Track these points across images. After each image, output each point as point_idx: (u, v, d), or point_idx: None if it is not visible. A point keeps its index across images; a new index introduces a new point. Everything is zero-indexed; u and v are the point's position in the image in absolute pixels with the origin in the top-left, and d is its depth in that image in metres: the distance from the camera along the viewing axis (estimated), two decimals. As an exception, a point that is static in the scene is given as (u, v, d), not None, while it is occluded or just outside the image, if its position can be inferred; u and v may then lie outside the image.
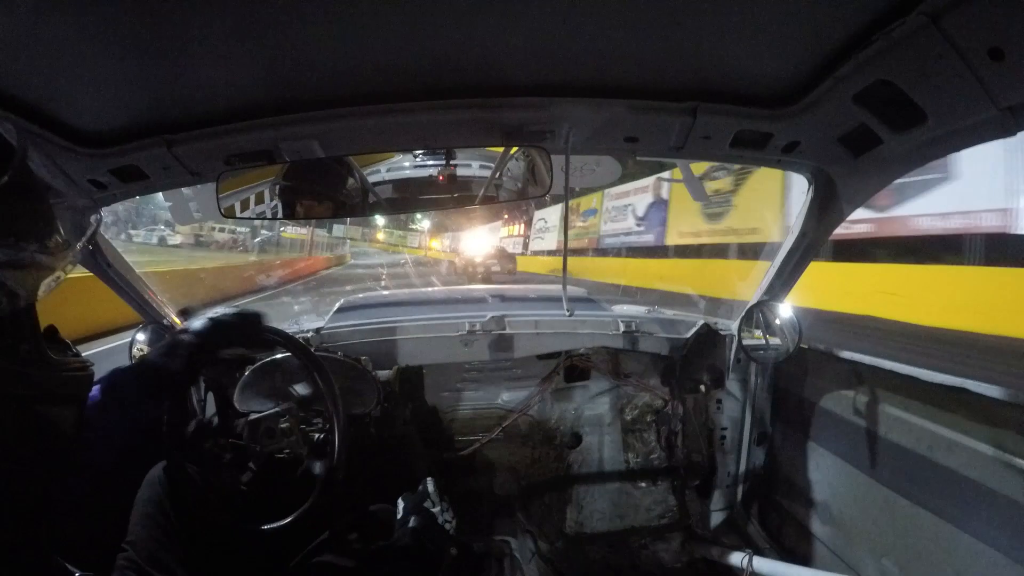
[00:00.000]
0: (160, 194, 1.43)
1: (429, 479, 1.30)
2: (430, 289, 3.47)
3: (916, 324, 6.65)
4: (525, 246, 25.63)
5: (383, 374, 1.68)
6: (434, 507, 1.25)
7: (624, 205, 16.86)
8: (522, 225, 27.40)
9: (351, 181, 1.23)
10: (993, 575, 1.06)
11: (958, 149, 0.94)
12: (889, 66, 0.80)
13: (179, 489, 1.12)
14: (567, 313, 1.81)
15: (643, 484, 2.05)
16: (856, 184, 1.22)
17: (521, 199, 1.26)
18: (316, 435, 1.26)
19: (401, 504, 1.27)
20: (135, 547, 1.03)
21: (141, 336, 1.60)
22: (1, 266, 0.52)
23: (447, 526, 1.25)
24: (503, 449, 1.98)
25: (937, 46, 0.71)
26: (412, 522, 1.19)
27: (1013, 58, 0.67)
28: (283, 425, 1.25)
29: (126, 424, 0.78)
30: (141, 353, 1.58)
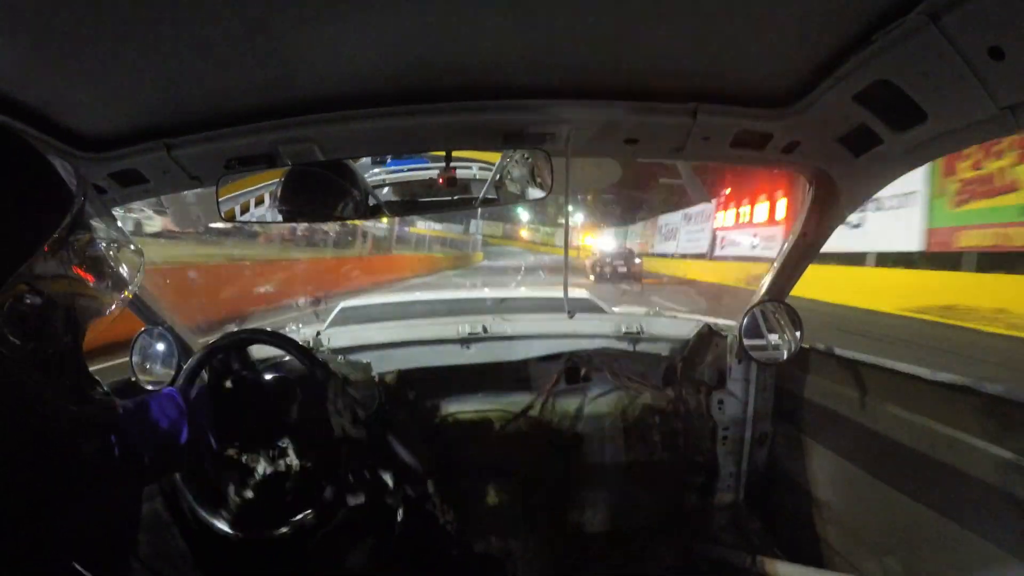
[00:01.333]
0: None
1: (429, 481, 1.30)
2: (431, 293, 3.48)
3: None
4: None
5: (383, 377, 1.67)
6: (435, 508, 1.26)
7: None
8: (773, 202, 14.01)
9: (351, 184, 1.23)
10: (996, 573, 1.05)
11: (958, 148, 0.94)
12: (889, 66, 0.80)
13: (180, 493, 1.12)
14: (568, 315, 1.81)
15: (645, 484, 2.04)
16: (856, 184, 1.22)
17: (521, 201, 1.26)
18: (317, 439, 1.26)
19: (402, 506, 1.27)
20: (139, 550, 1.03)
21: (141, 343, 1.60)
22: (60, 304, 0.56)
23: (448, 527, 1.26)
24: (504, 451, 1.97)
25: (937, 45, 0.71)
26: (413, 524, 1.19)
27: (1013, 57, 0.67)
28: (284, 429, 1.24)
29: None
30: (142, 357, 1.58)
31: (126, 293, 0.64)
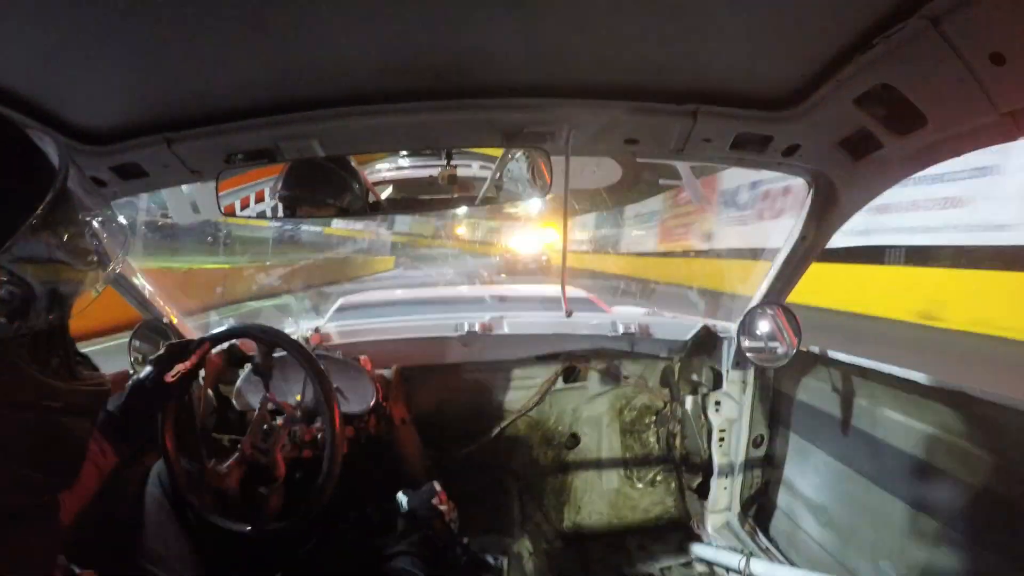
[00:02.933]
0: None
1: (427, 479, 1.31)
2: (430, 289, 3.48)
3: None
4: None
5: (381, 374, 1.68)
6: (441, 505, 1.26)
7: None
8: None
9: (352, 181, 1.23)
10: (991, 574, 1.06)
11: (959, 153, 0.94)
12: (890, 70, 0.80)
13: (178, 488, 1.12)
14: (566, 314, 1.81)
15: (641, 485, 2.05)
16: (856, 188, 1.22)
17: (521, 200, 1.26)
18: (315, 434, 1.26)
19: (405, 502, 1.28)
20: (138, 544, 1.04)
21: (140, 334, 1.60)
22: (45, 283, 0.55)
23: (452, 525, 1.26)
24: (502, 449, 1.98)
25: (938, 50, 0.71)
26: (420, 519, 1.20)
27: (1014, 63, 0.67)
28: (281, 424, 1.25)
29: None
30: (138, 351, 1.58)
31: (112, 269, 0.63)
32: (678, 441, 1.99)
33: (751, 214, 10.32)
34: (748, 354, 1.68)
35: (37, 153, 0.55)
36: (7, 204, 0.51)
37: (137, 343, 1.59)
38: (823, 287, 7.03)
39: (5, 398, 0.54)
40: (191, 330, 1.68)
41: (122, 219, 0.66)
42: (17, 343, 0.54)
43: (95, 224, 0.60)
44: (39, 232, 0.53)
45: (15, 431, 0.55)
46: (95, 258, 0.60)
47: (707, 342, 1.87)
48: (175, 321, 1.64)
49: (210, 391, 1.57)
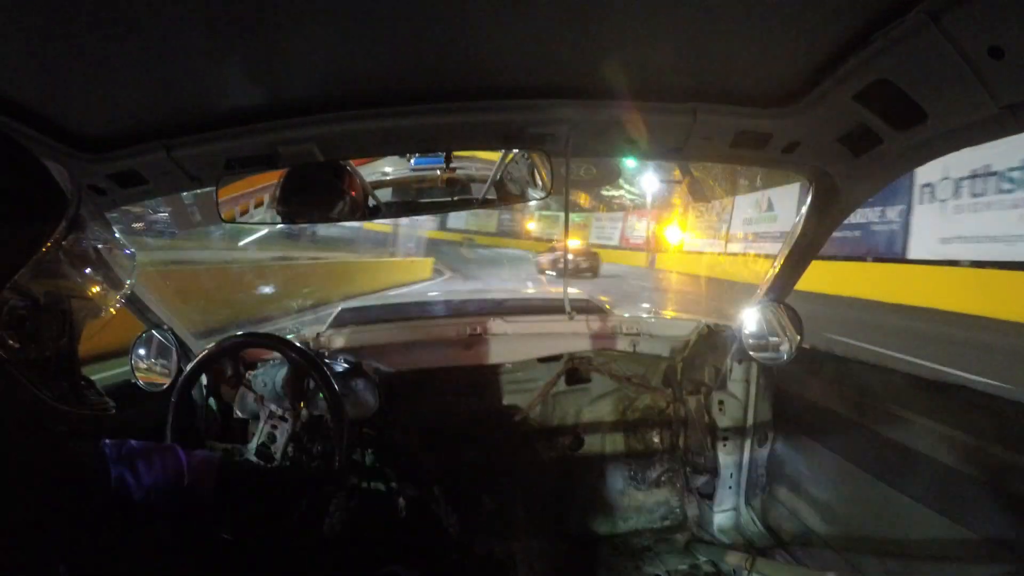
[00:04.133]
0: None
1: (430, 483, 1.30)
2: (430, 295, 3.48)
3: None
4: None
5: (383, 379, 1.67)
6: (436, 510, 1.26)
7: None
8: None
9: (352, 184, 1.23)
10: (996, 572, 1.05)
11: (958, 148, 0.94)
12: (889, 65, 0.80)
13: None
14: (568, 316, 1.81)
15: (645, 486, 2.04)
16: (856, 183, 1.22)
17: (521, 201, 1.26)
18: (318, 438, 1.26)
19: (403, 507, 1.27)
20: (141, 555, 1.03)
21: (143, 343, 1.60)
22: (54, 308, 0.56)
23: (449, 529, 1.26)
24: (505, 452, 1.97)
25: (937, 45, 0.71)
26: (414, 525, 1.19)
27: (1013, 57, 0.67)
28: (285, 429, 1.24)
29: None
30: (141, 361, 1.58)
31: (120, 295, 0.65)
32: (681, 441, 1.99)
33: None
34: (751, 352, 1.68)
35: (49, 180, 0.56)
36: (21, 230, 0.52)
37: (140, 353, 1.59)
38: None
39: (13, 420, 0.54)
40: (192, 340, 1.68)
41: (129, 246, 0.67)
42: (26, 367, 0.54)
43: (104, 251, 0.62)
44: (52, 257, 0.54)
45: (22, 453, 0.56)
46: (104, 285, 0.62)
47: (709, 341, 1.87)
48: (176, 331, 1.64)
49: (213, 398, 1.57)
